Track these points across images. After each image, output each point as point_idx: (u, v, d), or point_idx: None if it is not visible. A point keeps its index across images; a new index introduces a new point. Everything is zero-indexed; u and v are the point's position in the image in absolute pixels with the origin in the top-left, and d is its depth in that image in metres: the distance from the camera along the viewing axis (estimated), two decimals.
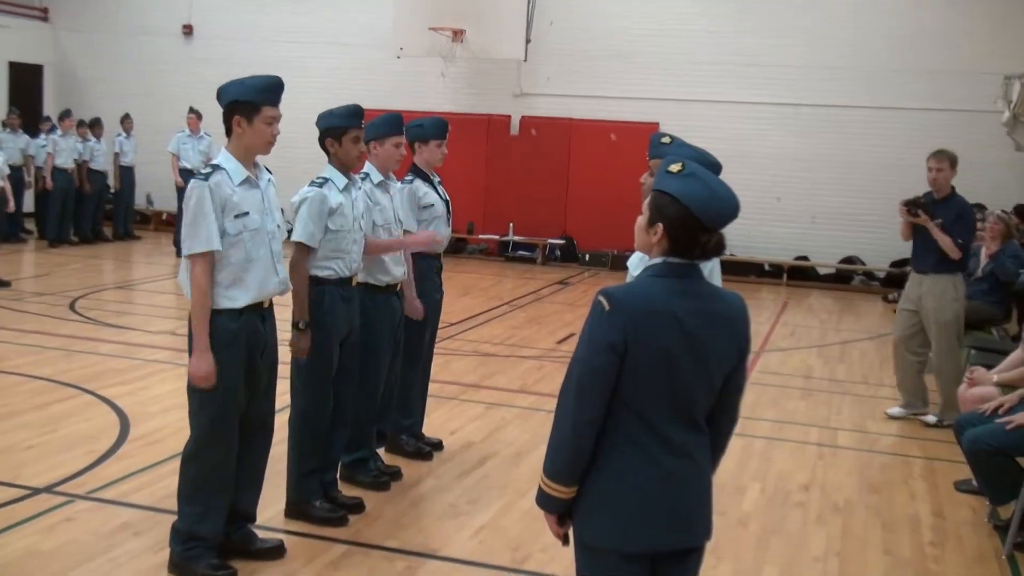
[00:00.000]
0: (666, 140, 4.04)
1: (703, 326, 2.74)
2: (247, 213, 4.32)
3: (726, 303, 2.83)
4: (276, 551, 4.70)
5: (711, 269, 4.48)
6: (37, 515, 5.03)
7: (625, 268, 4.31)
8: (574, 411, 2.74)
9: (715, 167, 3.71)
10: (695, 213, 2.71)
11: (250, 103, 4.32)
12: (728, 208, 2.75)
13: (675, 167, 2.76)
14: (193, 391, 4.41)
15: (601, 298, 2.72)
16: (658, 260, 2.79)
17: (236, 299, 4.32)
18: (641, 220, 2.84)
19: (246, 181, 4.36)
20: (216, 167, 4.33)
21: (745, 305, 2.85)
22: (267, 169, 4.57)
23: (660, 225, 2.76)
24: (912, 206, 7.61)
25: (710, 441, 2.88)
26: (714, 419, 2.88)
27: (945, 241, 7.43)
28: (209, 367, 4.26)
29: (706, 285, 2.82)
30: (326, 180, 4.99)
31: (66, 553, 4.60)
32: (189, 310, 4.34)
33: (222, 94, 4.36)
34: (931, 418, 7.63)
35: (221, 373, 4.29)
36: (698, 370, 2.75)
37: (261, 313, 4.44)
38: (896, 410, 7.84)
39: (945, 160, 7.45)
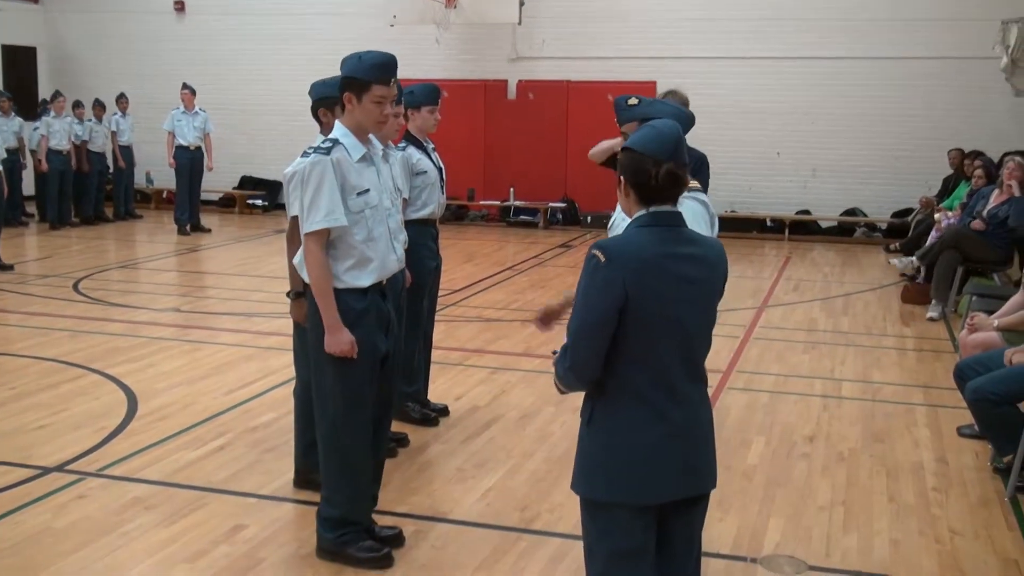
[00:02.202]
0: (633, 102, 4.02)
1: (695, 271, 2.82)
2: (368, 190, 4.22)
3: (711, 247, 2.92)
4: (397, 539, 4.56)
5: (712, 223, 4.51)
6: (49, 494, 5.09)
7: None
8: (574, 364, 2.82)
9: (687, 119, 3.90)
10: (640, 151, 2.83)
11: (361, 80, 4.14)
12: (668, 137, 2.85)
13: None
14: (322, 376, 4.28)
15: (595, 251, 2.77)
16: (640, 213, 2.85)
17: (361, 279, 4.21)
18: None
19: (363, 158, 4.26)
20: (335, 142, 4.19)
21: (723, 248, 2.97)
22: (380, 142, 4.43)
23: (622, 179, 2.87)
24: None
25: None
26: None
27: None
28: (348, 339, 4.14)
29: (690, 232, 2.90)
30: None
31: (79, 530, 4.66)
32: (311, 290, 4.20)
33: (341, 67, 4.22)
34: None
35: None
36: (696, 315, 2.84)
37: (382, 290, 4.35)
38: None
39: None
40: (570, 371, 2.84)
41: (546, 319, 3.83)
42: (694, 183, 3.78)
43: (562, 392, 3.01)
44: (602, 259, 2.74)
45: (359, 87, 4.15)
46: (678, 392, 2.83)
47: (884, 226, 15.31)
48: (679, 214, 2.87)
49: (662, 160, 2.80)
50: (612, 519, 2.87)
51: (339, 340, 4.15)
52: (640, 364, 2.79)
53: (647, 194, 2.83)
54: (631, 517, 2.85)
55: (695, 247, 2.86)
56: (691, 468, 2.88)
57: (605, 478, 2.84)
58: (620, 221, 4.07)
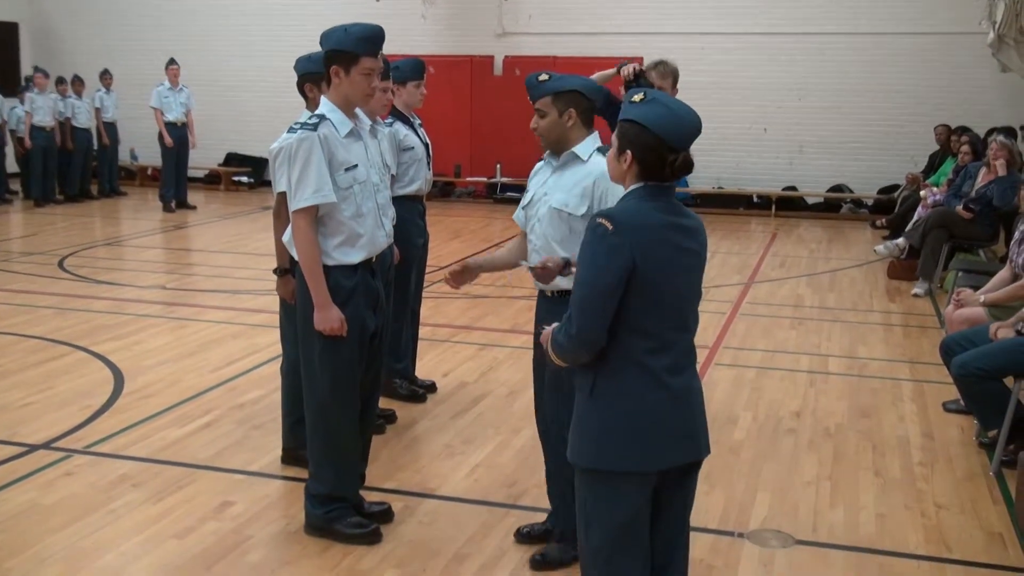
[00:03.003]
0: (544, 78, 4.03)
1: (690, 242, 2.85)
2: (356, 166, 4.18)
3: (698, 220, 2.95)
4: (385, 515, 4.58)
5: None
6: (36, 471, 5.07)
7: None
8: (580, 332, 2.79)
9: (600, 91, 4.17)
10: (659, 134, 2.78)
11: (349, 52, 4.07)
12: (689, 126, 2.82)
13: (637, 97, 2.83)
14: (311, 353, 4.25)
15: (601, 220, 2.77)
16: (637, 186, 2.85)
17: (351, 256, 4.18)
18: (611, 151, 2.91)
19: (351, 133, 4.21)
20: (322, 117, 4.13)
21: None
22: (368, 118, 4.40)
23: (628, 152, 2.83)
24: None
25: None
26: None
27: None
28: (337, 316, 4.12)
29: (679, 204, 2.91)
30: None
31: (66, 507, 4.65)
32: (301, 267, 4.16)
33: (324, 40, 4.15)
34: None
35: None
36: (691, 285, 2.88)
37: (371, 267, 4.32)
38: None
39: (669, 77, 5.65)
40: (575, 339, 2.80)
41: (548, 273, 3.86)
42: None
43: (558, 366, 3.00)
44: (609, 227, 2.74)
45: (347, 60, 4.10)
46: (677, 362, 2.86)
47: (870, 202, 15.34)
48: (671, 188, 2.88)
49: (679, 149, 2.79)
50: (615, 489, 2.86)
51: (328, 317, 4.13)
52: (641, 333, 2.80)
53: (654, 175, 2.82)
54: (634, 486, 2.86)
55: (688, 219, 2.89)
56: (690, 434, 2.90)
57: (611, 447, 2.84)
58: (552, 200, 4.04)
